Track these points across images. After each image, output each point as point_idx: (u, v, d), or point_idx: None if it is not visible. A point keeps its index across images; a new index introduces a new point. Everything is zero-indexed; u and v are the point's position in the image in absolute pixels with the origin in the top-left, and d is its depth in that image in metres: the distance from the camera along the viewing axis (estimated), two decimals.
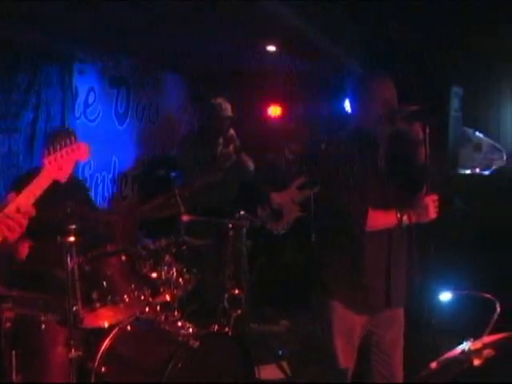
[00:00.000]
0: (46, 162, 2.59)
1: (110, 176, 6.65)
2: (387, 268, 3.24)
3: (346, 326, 3.26)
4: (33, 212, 2.60)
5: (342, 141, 3.31)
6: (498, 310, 2.34)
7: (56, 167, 2.58)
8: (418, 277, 3.35)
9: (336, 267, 3.24)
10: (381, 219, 3.14)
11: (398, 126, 3.17)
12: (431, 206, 3.07)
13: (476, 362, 2.18)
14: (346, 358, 3.27)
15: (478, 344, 2.22)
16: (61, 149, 2.59)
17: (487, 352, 2.19)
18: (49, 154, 2.59)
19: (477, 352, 2.19)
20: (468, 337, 2.25)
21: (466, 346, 2.21)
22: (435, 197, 3.10)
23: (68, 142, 2.62)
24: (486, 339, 2.25)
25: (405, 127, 3.17)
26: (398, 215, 3.10)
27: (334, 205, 3.16)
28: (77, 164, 2.73)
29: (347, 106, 7.50)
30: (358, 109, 3.27)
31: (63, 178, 2.62)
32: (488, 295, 2.46)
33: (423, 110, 3.10)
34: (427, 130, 3.04)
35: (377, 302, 3.27)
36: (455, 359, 2.21)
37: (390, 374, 3.36)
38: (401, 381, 3.37)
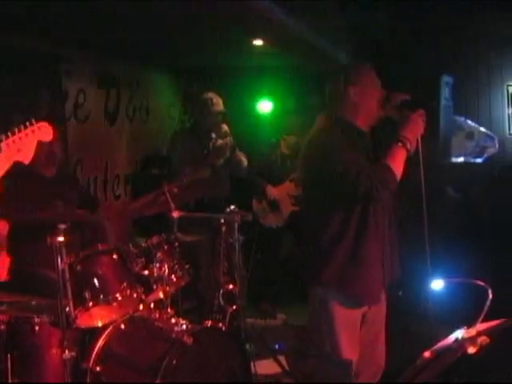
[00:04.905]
0: (3, 145, 2.55)
1: (102, 177, 6.62)
2: (382, 256, 3.26)
3: (351, 321, 3.25)
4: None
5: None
6: (491, 296, 2.33)
7: (14, 149, 2.55)
8: (399, 261, 3.40)
9: (337, 263, 3.19)
10: (397, 159, 3.10)
11: (388, 114, 3.24)
12: (420, 120, 3.14)
13: (470, 350, 2.17)
14: (351, 351, 3.26)
15: (472, 332, 2.21)
16: (19, 131, 2.56)
17: (481, 339, 2.18)
18: (6, 137, 2.55)
19: (471, 340, 2.18)
20: (461, 325, 2.24)
21: (459, 334, 2.20)
22: (422, 111, 3.17)
23: (28, 123, 2.58)
24: (480, 327, 2.24)
25: (395, 114, 3.23)
26: (400, 144, 3.10)
27: (346, 178, 3.04)
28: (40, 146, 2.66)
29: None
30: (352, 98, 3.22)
31: (25, 159, 2.58)
32: (480, 282, 2.45)
33: (414, 100, 3.16)
34: None
35: (376, 291, 3.29)
36: (449, 348, 2.20)
37: (374, 358, 3.42)
38: (383, 362, 3.43)
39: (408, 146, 3.11)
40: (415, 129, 3.14)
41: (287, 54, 6.54)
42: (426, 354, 2.18)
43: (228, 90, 6.21)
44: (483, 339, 2.18)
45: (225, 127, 5.63)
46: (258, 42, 5.89)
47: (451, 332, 2.23)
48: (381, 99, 3.23)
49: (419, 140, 3.15)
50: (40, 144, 2.63)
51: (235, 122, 6.04)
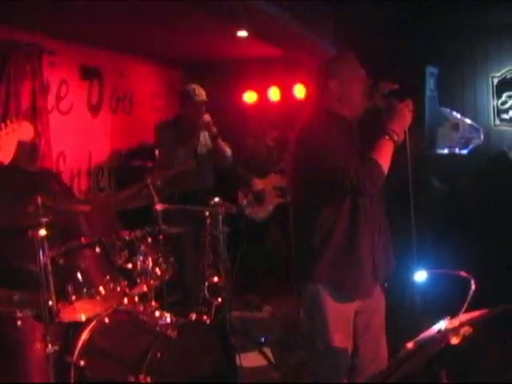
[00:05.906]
0: None
1: (86, 169, 6.58)
2: (372, 250, 3.21)
3: (344, 317, 3.22)
4: None
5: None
6: (474, 287, 2.32)
7: None
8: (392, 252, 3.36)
9: (328, 259, 3.14)
10: (385, 152, 3.06)
11: (376, 103, 3.21)
12: (407, 111, 3.11)
13: (453, 341, 2.16)
14: (344, 346, 3.22)
15: (455, 322, 2.20)
16: None
17: (464, 330, 2.17)
18: None
19: (454, 330, 2.17)
20: (445, 315, 2.23)
21: (442, 324, 2.19)
22: (409, 102, 3.14)
23: (8, 122, 2.54)
24: (463, 317, 2.24)
25: (383, 104, 3.20)
26: (387, 137, 3.06)
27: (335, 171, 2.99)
28: (21, 145, 2.62)
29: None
30: (338, 89, 3.18)
31: (5, 159, 2.54)
32: (463, 273, 2.44)
33: (403, 89, 3.14)
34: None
35: (368, 285, 3.24)
36: (432, 338, 2.20)
37: (378, 356, 3.34)
38: (385, 359, 3.33)
39: (395, 138, 3.07)
40: (403, 120, 3.10)
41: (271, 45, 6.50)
42: (409, 345, 2.17)
43: (213, 81, 6.19)
44: (466, 330, 2.17)
45: (208, 118, 5.59)
46: (243, 33, 5.85)
47: (435, 323, 2.22)
48: (367, 88, 3.20)
49: (406, 131, 3.13)
50: (22, 143, 2.59)
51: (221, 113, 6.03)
